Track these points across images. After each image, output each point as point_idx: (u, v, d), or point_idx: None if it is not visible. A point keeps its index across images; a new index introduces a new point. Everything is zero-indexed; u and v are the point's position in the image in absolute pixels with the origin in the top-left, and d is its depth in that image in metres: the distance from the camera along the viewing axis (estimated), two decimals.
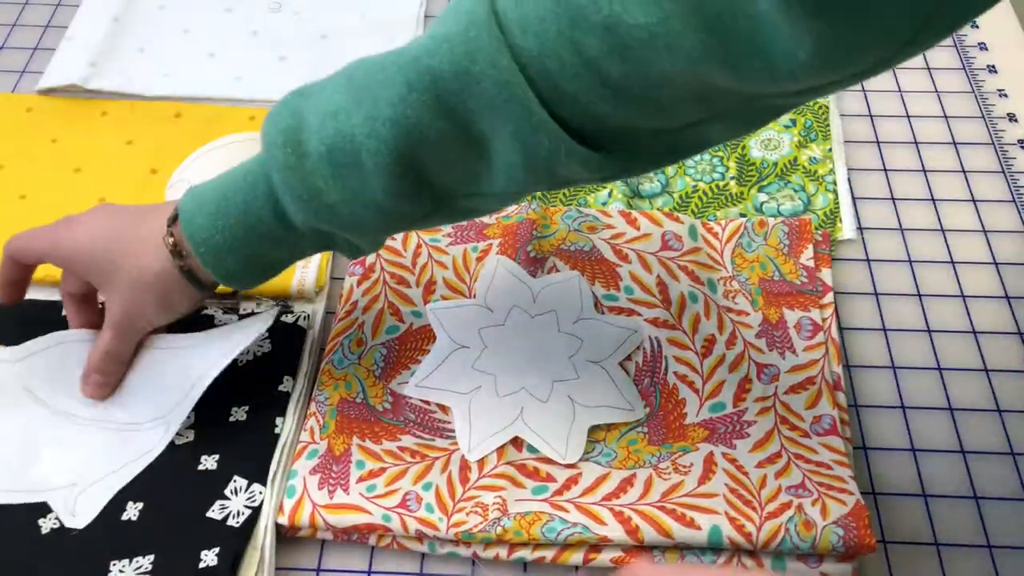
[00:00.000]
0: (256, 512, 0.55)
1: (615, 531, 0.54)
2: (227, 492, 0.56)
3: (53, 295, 0.66)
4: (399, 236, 0.69)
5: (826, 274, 0.67)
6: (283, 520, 0.55)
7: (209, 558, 0.53)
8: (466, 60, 0.44)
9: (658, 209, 0.72)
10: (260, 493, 0.56)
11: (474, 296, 0.66)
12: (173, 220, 0.54)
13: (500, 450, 0.58)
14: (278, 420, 0.60)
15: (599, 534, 0.54)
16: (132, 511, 0.56)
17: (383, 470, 0.57)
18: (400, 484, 0.57)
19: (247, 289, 0.57)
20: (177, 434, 0.59)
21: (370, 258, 0.67)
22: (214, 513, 0.55)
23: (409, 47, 0.47)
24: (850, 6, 0.35)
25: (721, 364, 0.62)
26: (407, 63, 0.46)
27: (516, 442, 0.59)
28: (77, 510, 0.56)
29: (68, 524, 0.56)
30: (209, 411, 0.60)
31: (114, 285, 0.56)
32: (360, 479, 0.57)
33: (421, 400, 0.61)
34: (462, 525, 0.54)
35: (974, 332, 0.67)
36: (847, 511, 0.54)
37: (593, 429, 0.59)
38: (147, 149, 0.76)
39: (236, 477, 0.57)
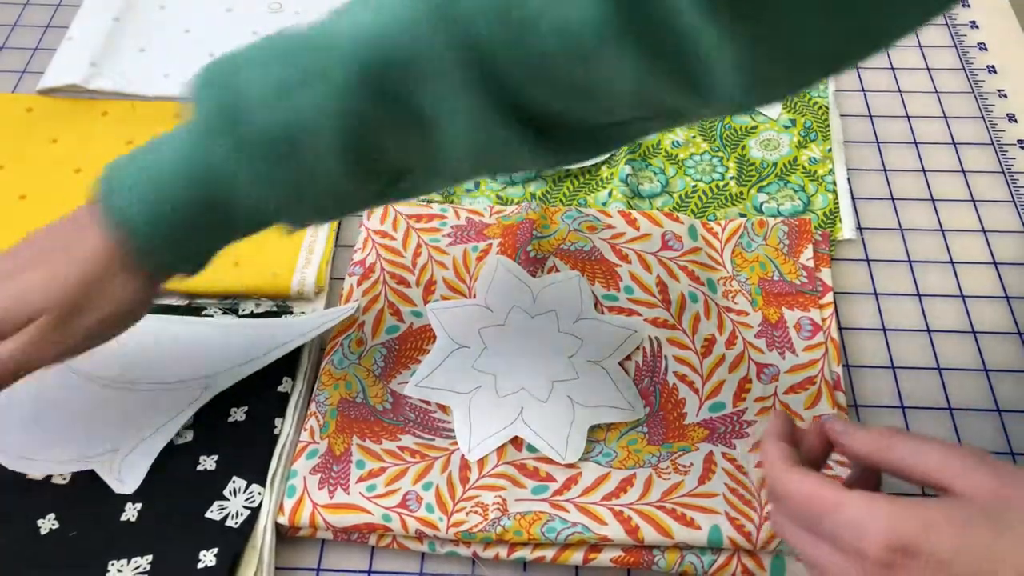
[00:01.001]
0: (255, 513, 0.55)
1: (615, 531, 0.54)
2: (226, 493, 0.56)
3: None
4: (399, 236, 0.69)
5: (826, 274, 0.67)
6: (283, 520, 0.55)
7: (207, 558, 0.53)
8: (416, 51, 0.42)
9: (658, 209, 0.72)
10: (259, 494, 0.56)
11: (474, 296, 0.66)
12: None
13: (500, 450, 0.58)
14: (277, 421, 0.60)
15: (599, 534, 0.54)
16: (131, 511, 0.56)
17: (383, 470, 0.57)
18: (400, 484, 0.56)
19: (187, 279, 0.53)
20: (176, 434, 0.59)
21: (370, 258, 0.67)
22: (213, 514, 0.55)
23: (350, 29, 0.43)
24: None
25: (721, 364, 0.62)
26: (351, 51, 0.43)
27: (516, 442, 0.58)
28: (123, 476, 0.57)
29: (118, 490, 0.56)
30: (208, 411, 0.60)
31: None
32: (360, 479, 0.57)
33: (421, 400, 0.61)
34: (462, 525, 0.54)
35: (974, 332, 0.67)
36: None
37: (593, 429, 0.59)
38: None
39: (235, 478, 0.57)
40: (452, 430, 0.59)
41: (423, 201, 0.72)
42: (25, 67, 0.84)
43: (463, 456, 0.58)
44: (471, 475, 0.57)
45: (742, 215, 0.72)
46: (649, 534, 0.54)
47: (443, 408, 0.61)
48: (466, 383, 0.61)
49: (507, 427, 0.59)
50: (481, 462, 0.58)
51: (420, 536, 0.55)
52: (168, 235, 0.49)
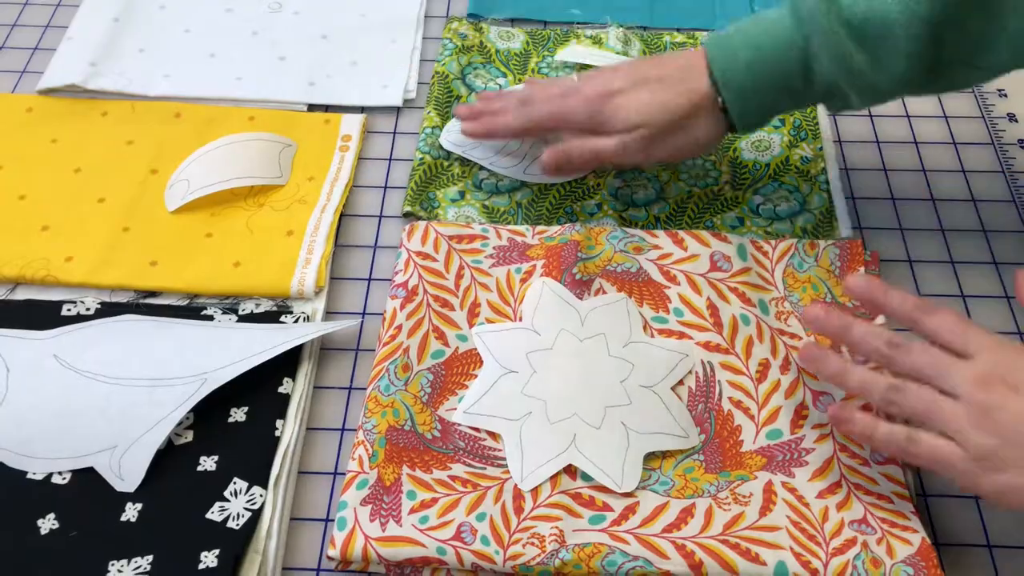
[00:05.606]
0: (256, 514, 0.55)
1: (678, 565, 0.53)
2: (227, 494, 0.56)
3: (53, 295, 0.67)
4: (440, 258, 0.67)
5: None
6: (334, 553, 0.54)
7: (209, 559, 0.53)
8: None
9: (655, 216, 0.72)
10: (261, 496, 0.56)
11: (520, 319, 0.64)
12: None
13: (554, 479, 0.57)
14: (278, 423, 0.60)
15: (661, 568, 0.53)
16: (131, 511, 0.56)
17: (435, 500, 0.56)
18: (453, 515, 0.55)
19: (750, 131, 0.67)
20: (175, 434, 0.59)
21: (412, 280, 0.66)
22: (214, 515, 0.55)
23: None
24: None
25: (776, 390, 0.61)
26: None
27: (570, 470, 0.57)
28: (123, 473, 0.57)
29: (119, 488, 0.57)
30: (208, 412, 0.60)
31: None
32: (412, 510, 0.55)
33: (470, 427, 0.60)
34: (519, 557, 0.53)
35: None
36: (914, 551, 0.53)
37: (648, 457, 0.58)
38: (147, 149, 0.76)
39: (236, 479, 0.57)
40: (503, 458, 0.58)
41: (463, 222, 0.71)
42: (25, 67, 0.84)
43: (516, 485, 0.57)
44: (525, 505, 0.56)
45: (740, 219, 0.71)
46: (713, 568, 0.53)
47: (493, 435, 0.59)
48: (516, 409, 0.60)
49: (560, 455, 0.57)
50: (535, 491, 0.56)
51: (475, 569, 0.54)
52: (750, 94, 0.63)
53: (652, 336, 0.64)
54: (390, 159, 0.77)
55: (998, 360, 0.51)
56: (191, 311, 0.65)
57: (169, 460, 0.58)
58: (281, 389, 0.61)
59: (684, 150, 0.66)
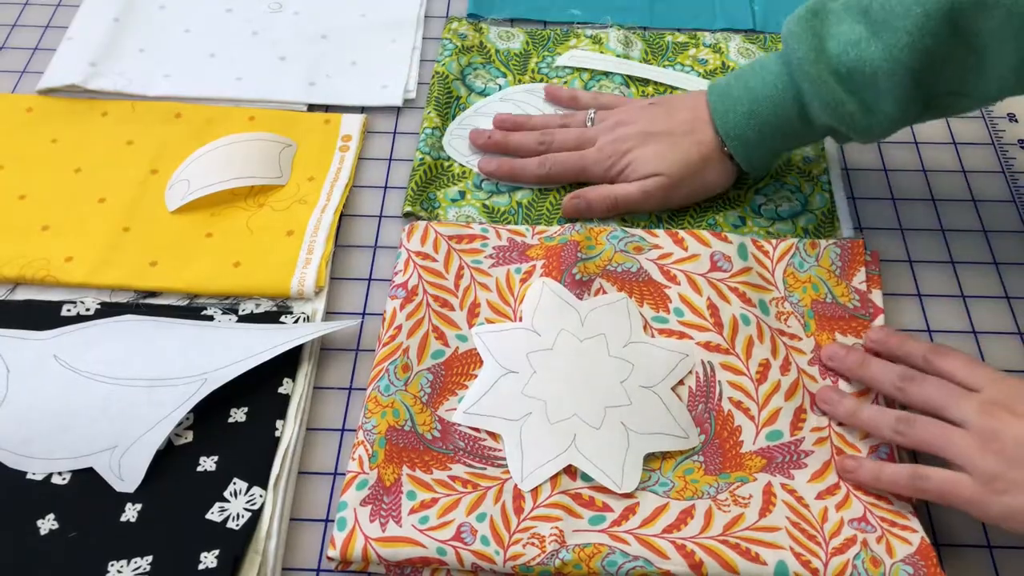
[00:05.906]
0: (256, 515, 0.55)
1: (678, 565, 0.53)
2: (227, 494, 0.56)
3: (53, 295, 0.67)
4: (440, 258, 0.67)
5: (876, 295, 0.66)
6: (334, 554, 0.54)
7: (208, 560, 0.53)
8: None
9: (656, 215, 0.72)
10: (260, 496, 0.56)
11: (520, 319, 0.64)
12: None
13: (554, 479, 0.57)
14: (278, 423, 0.60)
15: (661, 568, 0.53)
16: (131, 512, 0.56)
17: (435, 501, 0.56)
18: (453, 515, 0.55)
19: (761, 173, 0.71)
20: (175, 434, 0.59)
21: (412, 280, 0.66)
22: (213, 515, 0.55)
23: None
24: None
25: (777, 391, 0.61)
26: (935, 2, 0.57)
27: (570, 470, 0.57)
28: (123, 473, 0.57)
29: (119, 489, 0.57)
30: (208, 412, 0.60)
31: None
32: (412, 511, 0.55)
33: (470, 427, 0.59)
34: (519, 558, 0.53)
35: (974, 332, 0.67)
36: (914, 550, 0.54)
37: (648, 457, 0.58)
38: (147, 149, 0.76)
39: (236, 479, 0.57)
40: (503, 458, 0.58)
41: (463, 222, 0.71)
42: (25, 67, 0.84)
43: (516, 485, 0.57)
44: (525, 505, 0.56)
45: (741, 218, 0.72)
46: (713, 568, 0.53)
47: (493, 436, 0.59)
48: (516, 409, 0.60)
49: (560, 455, 0.57)
50: (535, 492, 0.56)
51: (475, 569, 0.54)
52: (753, 142, 0.68)
53: (652, 336, 0.64)
54: (390, 159, 0.77)
55: (1003, 391, 0.54)
56: (191, 311, 0.65)
57: (169, 460, 0.58)
58: (281, 389, 0.61)
59: (699, 194, 0.71)
